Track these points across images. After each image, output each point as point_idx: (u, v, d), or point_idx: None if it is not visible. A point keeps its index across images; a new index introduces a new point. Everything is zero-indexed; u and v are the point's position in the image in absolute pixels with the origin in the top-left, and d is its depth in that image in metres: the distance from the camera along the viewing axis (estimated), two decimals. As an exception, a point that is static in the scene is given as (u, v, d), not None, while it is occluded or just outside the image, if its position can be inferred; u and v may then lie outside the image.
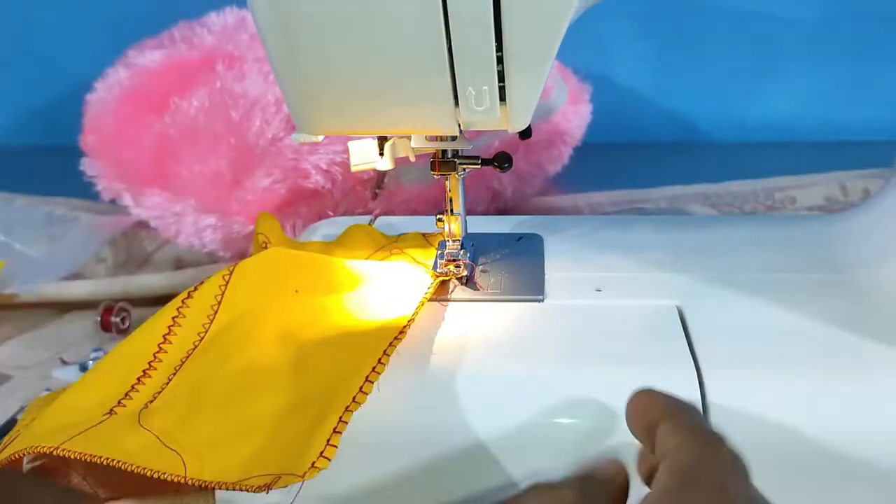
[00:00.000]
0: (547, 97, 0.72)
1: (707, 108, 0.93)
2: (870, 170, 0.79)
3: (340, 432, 0.36)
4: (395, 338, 0.41)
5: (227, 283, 0.46)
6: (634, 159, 0.89)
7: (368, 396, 0.38)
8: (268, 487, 0.35)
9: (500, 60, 0.36)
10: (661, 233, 0.52)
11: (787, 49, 0.88)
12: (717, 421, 0.38)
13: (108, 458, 0.36)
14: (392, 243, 0.52)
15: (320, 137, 0.43)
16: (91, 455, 0.36)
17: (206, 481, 0.36)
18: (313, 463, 0.35)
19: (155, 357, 0.43)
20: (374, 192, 0.68)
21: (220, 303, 0.45)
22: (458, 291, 0.46)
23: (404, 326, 0.42)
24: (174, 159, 0.69)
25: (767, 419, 0.38)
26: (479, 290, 0.46)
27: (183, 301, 0.45)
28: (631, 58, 0.90)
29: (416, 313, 0.43)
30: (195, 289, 0.46)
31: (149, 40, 0.76)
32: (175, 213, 0.69)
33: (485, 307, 0.45)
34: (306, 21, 0.35)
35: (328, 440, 0.36)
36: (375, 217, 0.57)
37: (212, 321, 0.45)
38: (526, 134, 0.42)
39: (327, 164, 0.66)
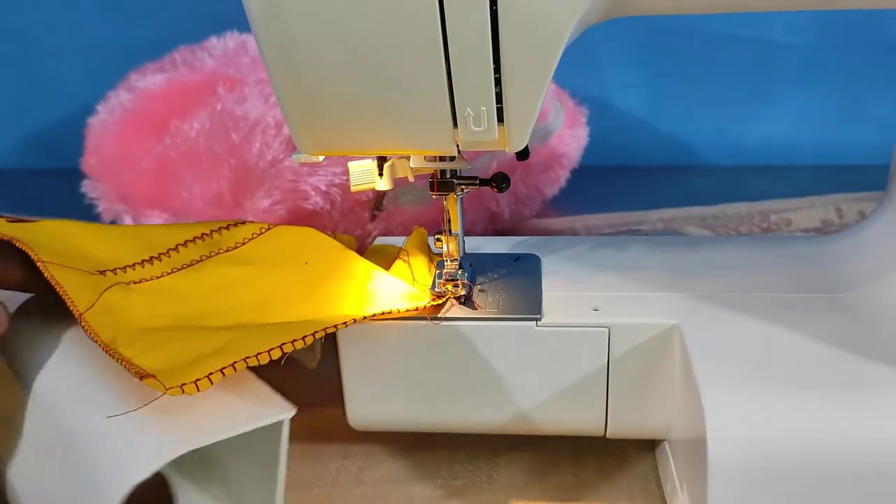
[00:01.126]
0: (544, 121, 0.73)
1: (703, 131, 0.94)
2: (864, 193, 0.80)
3: (225, 374, 0.37)
4: (335, 326, 0.41)
5: (260, 235, 0.49)
6: (631, 182, 0.89)
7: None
8: (139, 376, 0.36)
9: (497, 82, 0.37)
10: (657, 253, 0.53)
11: (782, 73, 0.89)
12: (714, 438, 0.38)
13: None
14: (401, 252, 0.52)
15: (320, 158, 0.44)
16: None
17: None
18: (183, 385, 0.35)
19: (160, 255, 0.46)
20: (372, 214, 0.68)
21: (241, 245, 0.48)
22: (456, 310, 0.46)
23: (348, 320, 0.42)
24: (175, 181, 0.70)
25: (764, 437, 0.38)
26: (476, 309, 0.46)
27: (212, 231, 0.48)
28: (627, 82, 0.91)
29: (370, 316, 0.43)
30: (229, 225, 0.49)
31: (150, 64, 0.77)
32: (175, 235, 0.69)
33: (482, 326, 0.45)
34: (307, 43, 0.36)
35: (210, 374, 0.36)
36: (374, 239, 0.57)
37: (225, 251, 0.48)
38: (523, 155, 0.42)
39: (326, 185, 0.66)
